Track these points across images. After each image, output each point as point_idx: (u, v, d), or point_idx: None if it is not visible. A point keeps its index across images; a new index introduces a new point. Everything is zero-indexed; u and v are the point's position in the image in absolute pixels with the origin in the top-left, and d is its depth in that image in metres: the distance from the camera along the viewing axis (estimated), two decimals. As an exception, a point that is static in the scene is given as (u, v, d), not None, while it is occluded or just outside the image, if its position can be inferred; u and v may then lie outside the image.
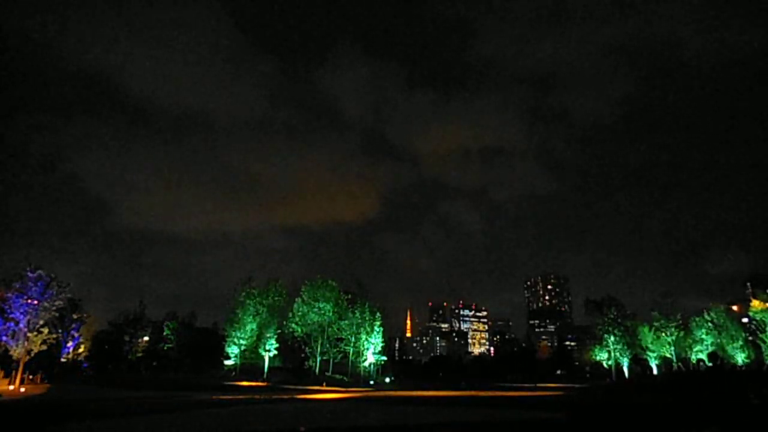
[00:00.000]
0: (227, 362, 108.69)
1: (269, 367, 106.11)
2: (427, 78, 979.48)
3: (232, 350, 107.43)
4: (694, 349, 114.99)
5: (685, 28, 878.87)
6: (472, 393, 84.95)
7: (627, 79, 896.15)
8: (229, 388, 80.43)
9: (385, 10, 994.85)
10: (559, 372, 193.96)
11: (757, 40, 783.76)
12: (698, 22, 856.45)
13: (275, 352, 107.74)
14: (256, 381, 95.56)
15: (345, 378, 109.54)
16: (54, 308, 70.85)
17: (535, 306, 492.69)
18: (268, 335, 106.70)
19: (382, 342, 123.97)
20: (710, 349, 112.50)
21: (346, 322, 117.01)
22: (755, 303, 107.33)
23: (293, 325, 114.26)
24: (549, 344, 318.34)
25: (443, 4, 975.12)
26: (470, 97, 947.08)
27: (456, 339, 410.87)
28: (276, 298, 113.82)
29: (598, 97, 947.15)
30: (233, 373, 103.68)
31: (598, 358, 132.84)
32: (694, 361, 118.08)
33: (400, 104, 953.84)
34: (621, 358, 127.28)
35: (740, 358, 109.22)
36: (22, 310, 66.61)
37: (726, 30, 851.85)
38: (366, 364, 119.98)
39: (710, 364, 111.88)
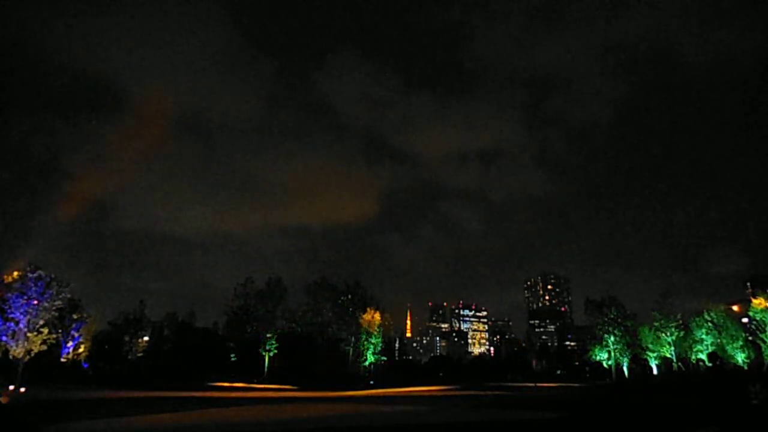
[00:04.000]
0: (228, 362, 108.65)
1: (269, 366, 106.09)
2: (425, 80, 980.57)
3: (233, 350, 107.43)
4: (694, 349, 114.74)
5: (680, 29, 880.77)
6: (472, 393, 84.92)
7: (623, 81, 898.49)
8: (219, 389, 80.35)
9: (383, 14, 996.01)
10: (559, 372, 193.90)
11: (751, 41, 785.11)
12: (693, 24, 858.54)
13: (275, 351, 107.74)
14: (251, 382, 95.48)
15: (345, 378, 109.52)
16: (54, 308, 70.85)
17: (535, 306, 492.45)
18: (268, 335, 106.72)
19: (382, 342, 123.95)
20: (710, 349, 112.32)
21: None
22: (756, 302, 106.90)
23: (293, 325, 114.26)
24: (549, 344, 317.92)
25: (440, 8, 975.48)
26: (468, 99, 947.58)
27: (456, 339, 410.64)
28: (276, 298, 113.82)
29: (595, 99, 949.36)
30: (233, 374, 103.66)
31: (598, 358, 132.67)
32: (694, 361, 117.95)
33: (398, 106, 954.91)
34: (621, 358, 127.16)
35: (740, 358, 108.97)
36: (22, 310, 66.61)
37: (720, 31, 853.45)
38: (366, 364, 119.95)
39: (710, 364, 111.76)
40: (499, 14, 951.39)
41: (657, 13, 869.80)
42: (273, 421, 34.90)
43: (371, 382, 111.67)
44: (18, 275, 69.30)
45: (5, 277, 68.61)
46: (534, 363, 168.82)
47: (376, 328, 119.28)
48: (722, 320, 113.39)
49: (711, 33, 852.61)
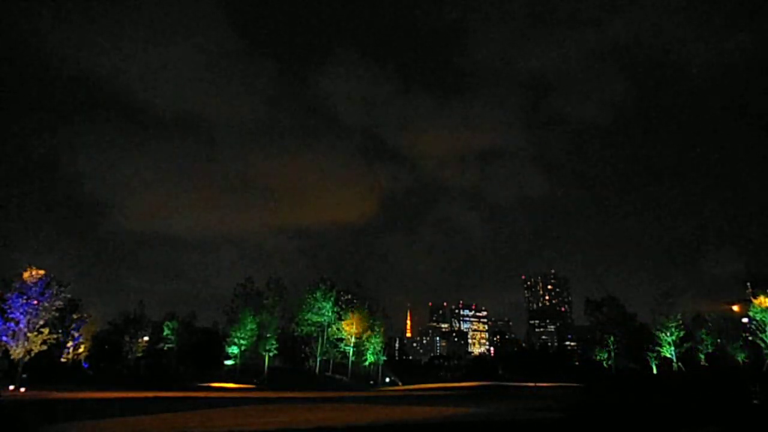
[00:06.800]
0: (227, 362, 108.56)
1: (269, 366, 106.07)
2: (424, 82, 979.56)
3: (233, 350, 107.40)
4: (695, 349, 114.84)
5: (677, 31, 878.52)
6: (472, 392, 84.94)
7: (620, 82, 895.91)
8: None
9: (383, 14, 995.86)
10: (559, 372, 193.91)
11: (749, 43, 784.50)
12: (692, 26, 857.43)
13: (275, 352, 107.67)
14: (250, 383, 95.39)
15: (345, 378, 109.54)
16: (54, 308, 70.74)
17: (535, 306, 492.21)
18: (268, 335, 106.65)
19: (382, 342, 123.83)
20: (710, 349, 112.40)
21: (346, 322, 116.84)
22: (756, 302, 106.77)
23: (293, 325, 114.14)
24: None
25: (438, 8, 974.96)
26: (466, 100, 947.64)
27: (456, 339, 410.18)
28: (276, 299, 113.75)
29: (593, 100, 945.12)
30: (233, 373, 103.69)
31: (598, 358, 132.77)
32: (694, 361, 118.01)
33: (397, 107, 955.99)
34: (621, 358, 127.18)
35: (740, 358, 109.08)
36: (22, 310, 66.51)
37: (718, 33, 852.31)
38: (366, 364, 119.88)
39: (706, 364, 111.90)
40: (497, 15, 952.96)
41: (656, 15, 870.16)
42: (273, 422, 34.89)
43: (371, 382, 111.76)
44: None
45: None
46: None
47: (376, 328, 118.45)
48: (722, 320, 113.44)
49: (710, 35, 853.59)
